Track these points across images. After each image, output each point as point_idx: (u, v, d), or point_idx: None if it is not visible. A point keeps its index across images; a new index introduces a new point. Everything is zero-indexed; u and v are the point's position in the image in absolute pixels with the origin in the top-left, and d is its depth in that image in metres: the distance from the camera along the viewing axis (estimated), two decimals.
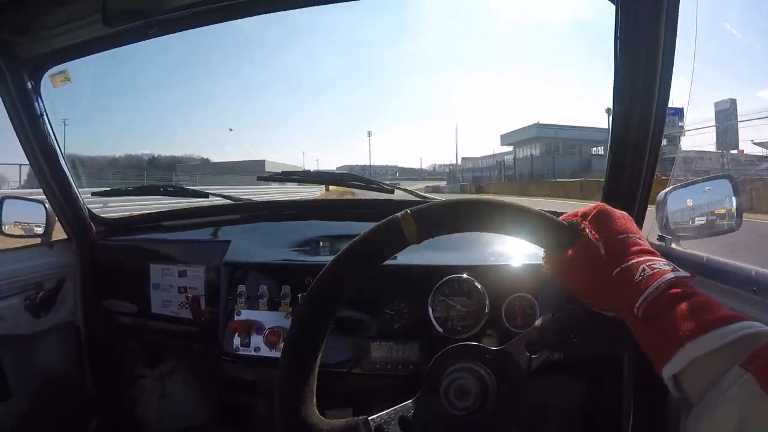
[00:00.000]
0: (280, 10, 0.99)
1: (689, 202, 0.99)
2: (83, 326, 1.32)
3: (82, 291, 1.28)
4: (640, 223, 1.00)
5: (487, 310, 0.90)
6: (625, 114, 0.91)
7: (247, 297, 0.98)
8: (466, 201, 0.47)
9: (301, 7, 0.98)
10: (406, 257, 0.96)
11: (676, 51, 0.86)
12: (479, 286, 0.91)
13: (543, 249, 0.50)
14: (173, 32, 1.01)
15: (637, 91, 0.88)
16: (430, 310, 0.91)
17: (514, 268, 0.93)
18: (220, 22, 0.99)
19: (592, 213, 0.46)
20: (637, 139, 0.91)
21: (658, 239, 0.95)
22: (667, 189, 0.97)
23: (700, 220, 0.99)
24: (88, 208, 1.26)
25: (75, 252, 1.27)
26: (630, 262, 0.41)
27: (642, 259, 0.41)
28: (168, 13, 0.97)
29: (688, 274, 0.40)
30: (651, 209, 0.99)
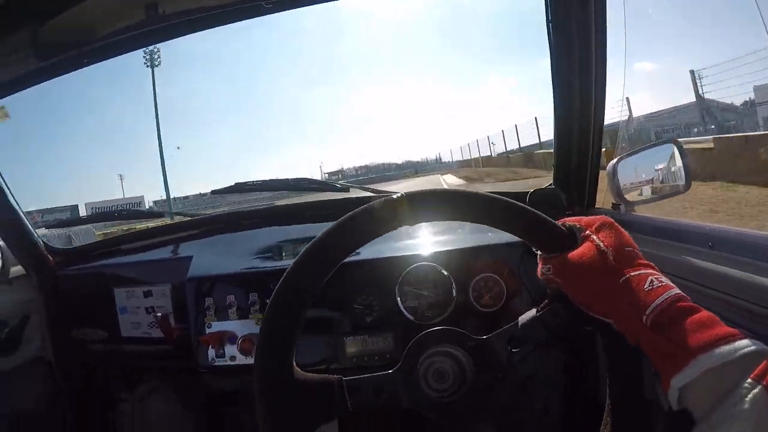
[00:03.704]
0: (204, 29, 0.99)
1: (637, 169, 1.04)
2: (54, 359, 1.27)
3: (48, 324, 1.24)
4: (593, 198, 1.04)
5: (454, 294, 0.92)
6: (566, 96, 0.94)
7: (216, 309, 0.97)
8: (465, 192, 0.48)
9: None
10: (369, 251, 0.97)
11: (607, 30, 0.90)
12: (444, 271, 0.93)
13: (537, 249, 0.50)
14: (107, 58, 1.00)
15: (574, 73, 0.91)
16: (399, 300, 0.92)
17: (475, 250, 0.95)
18: (149, 45, 0.98)
19: (597, 222, 0.47)
20: (581, 120, 0.94)
21: (612, 207, 0.99)
22: (615, 159, 1.00)
23: (649, 185, 1.03)
24: (42, 240, 1.22)
25: (35, 286, 1.23)
26: (638, 272, 0.42)
27: (649, 271, 0.42)
28: (99, 42, 0.96)
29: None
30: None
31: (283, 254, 1.04)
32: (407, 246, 0.97)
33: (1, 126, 1.15)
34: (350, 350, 0.93)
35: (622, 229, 0.47)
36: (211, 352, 0.96)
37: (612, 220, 0.47)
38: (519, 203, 0.47)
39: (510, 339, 0.51)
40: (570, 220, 0.49)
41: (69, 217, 1.28)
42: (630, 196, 1.00)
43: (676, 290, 0.40)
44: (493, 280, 0.94)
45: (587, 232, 0.47)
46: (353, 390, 0.47)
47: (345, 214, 0.47)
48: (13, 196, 1.17)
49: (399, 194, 0.47)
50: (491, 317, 0.93)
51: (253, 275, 1.00)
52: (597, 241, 0.45)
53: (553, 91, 0.96)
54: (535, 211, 0.48)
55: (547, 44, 0.93)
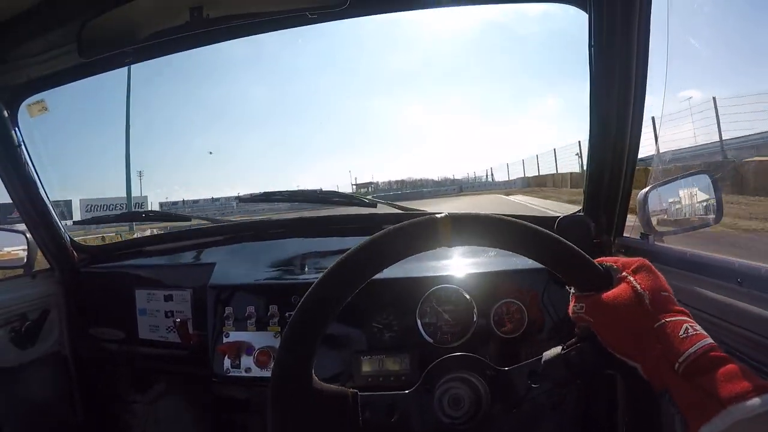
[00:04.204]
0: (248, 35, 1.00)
1: (669, 200, 1.01)
2: (70, 355, 1.29)
3: (68, 320, 1.26)
4: (622, 227, 1.02)
5: (475, 318, 0.90)
6: (603, 122, 0.92)
7: (235, 319, 0.97)
8: (510, 220, 0.47)
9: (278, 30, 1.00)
10: (391, 270, 0.96)
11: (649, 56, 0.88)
12: (466, 295, 0.91)
13: (572, 288, 0.49)
14: (149, 59, 1.01)
15: (613, 99, 0.89)
16: (418, 321, 0.91)
17: (500, 275, 0.94)
18: (192, 48, 1.00)
19: (635, 264, 0.47)
20: (616, 146, 0.92)
21: (641, 237, 0.96)
22: (647, 188, 0.98)
23: (680, 216, 1.01)
24: (69, 236, 1.24)
25: (58, 281, 1.25)
26: (673, 318, 0.42)
27: (684, 318, 0.42)
28: (142, 42, 0.97)
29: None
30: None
31: (306, 268, 1.03)
32: (430, 267, 0.96)
33: (39, 119, 1.18)
34: (365, 369, 0.91)
35: (659, 273, 0.46)
36: (227, 362, 0.96)
37: (649, 263, 0.47)
38: (563, 239, 0.46)
39: (530, 373, 0.50)
40: (607, 260, 0.48)
41: (94, 216, 1.29)
42: (659, 227, 0.98)
43: (710, 340, 0.40)
44: (516, 306, 0.91)
45: (624, 273, 0.46)
46: (366, 406, 0.47)
47: (371, 230, 0.47)
48: (45, 191, 1.20)
49: (443, 214, 0.46)
50: (511, 344, 0.91)
51: (274, 287, 0.99)
52: (634, 283, 0.45)
53: (590, 117, 0.95)
54: (577, 248, 0.47)
55: (588, 68, 0.92)
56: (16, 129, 1.17)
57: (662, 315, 0.42)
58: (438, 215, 0.46)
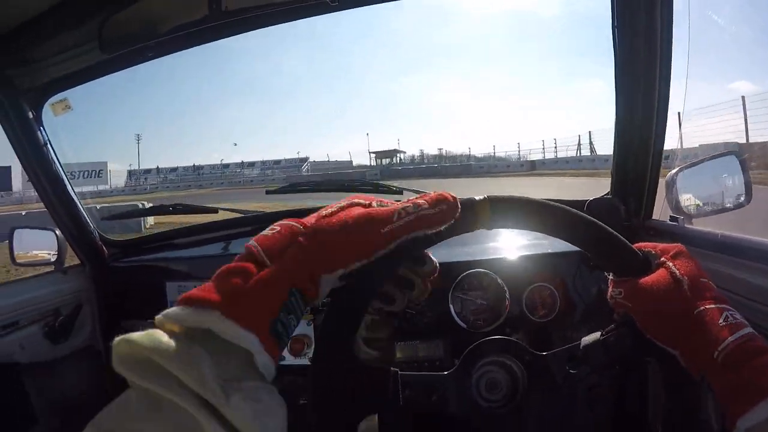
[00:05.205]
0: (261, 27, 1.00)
1: (697, 181, 1.01)
2: (103, 349, 1.32)
3: (100, 314, 1.29)
4: (651, 209, 1.01)
5: (507, 303, 0.91)
6: (629, 104, 0.92)
7: None
8: (551, 204, 0.47)
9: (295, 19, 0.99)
10: None
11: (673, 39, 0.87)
12: (498, 279, 0.92)
13: (610, 273, 0.49)
14: (170, 53, 1.01)
15: (639, 79, 0.88)
16: (451, 306, 0.92)
17: (531, 259, 0.94)
18: (212, 41, 1.00)
19: (673, 250, 0.46)
20: (642, 129, 0.92)
21: (670, 220, 0.96)
22: (675, 170, 0.98)
23: (710, 198, 1.00)
24: (98, 231, 1.26)
25: (89, 276, 1.27)
26: (713, 306, 0.41)
27: (724, 306, 0.41)
28: (162, 37, 0.97)
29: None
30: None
31: None
32: (462, 251, 0.96)
33: (63, 118, 1.19)
34: (399, 355, 0.93)
35: (696, 260, 0.46)
36: None
37: (686, 249, 0.46)
38: (603, 225, 0.46)
39: (569, 358, 0.50)
40: (645, 246, 0.48)
41: (122, 212, 1.31)
42: (689, 209, 0.97)
43: (750, 329, 0.40)
44: (548, 291, 0.92)
45: (663, 258, 0.46)
46: (406, 385, 0.47)
47: None
48: (72, 188, 1.22)
49: (482, 197, 0.46)
50: (543, 329, 0.92)
51: None
52: (673, 269, 0.44)
53: (616, 99, 0.94)
54: (616, 234, 0.46)
55: (612, 49, 0.91)
56: (42, 128, 1.18)
57: (701, 302, 0.42)
58: (477, 197, 0.46)
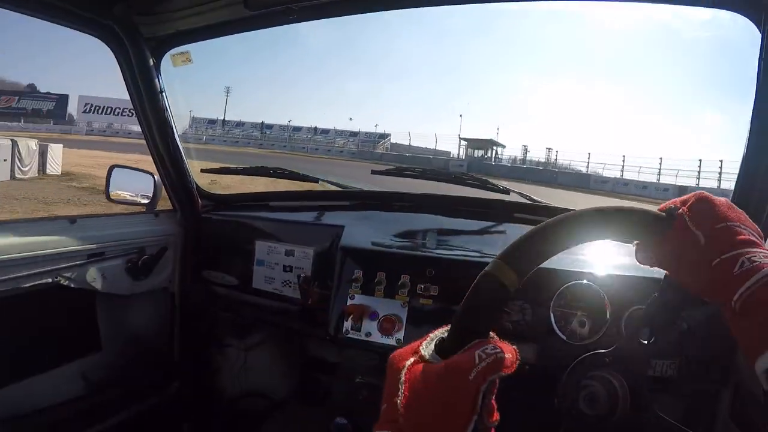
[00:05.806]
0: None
1: None
2: (178, 293, 1.37)
3: (182, 260, 1.34)
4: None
5: (608, 318, 0.90)
6: (762, 143, 0.87)
7: (363, 282, 1.00)
8: (549, 224, 0.43)
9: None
10: None
11: None
12: (602, 294, 0.90)
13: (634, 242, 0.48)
14: (311, 19, 1.02)
15: None
16: (551, 314, 0.91)
17: (636, 280, 0.92)
18: (359, 12, 1.00)
19: (691, 200, 0.44)
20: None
21: None
22: None
23: None
24: (195, 182, 1.31)
25: (179, 222, 1.32)
26: (730, 254, 0.40)
27: (743, 250, 0.40)
28: (307, 1, 0.98)
29: None
30: None
31: (438, 243, 1.05)
32: (566, 260, 0.95)
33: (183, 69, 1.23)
34: None
35: (718, 201, 0.43)
36: (347, 324, 0.98)
37: (706, 193, 0.44)
38: (602, 206, 0.44)
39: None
40: (668, 203, 0.46)
41: (222, 167, 1.35)
42: None
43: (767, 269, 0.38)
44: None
45: (681, 210, 0.43)
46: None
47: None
48: (179, 137, 1.26)
49: (492, 264, 0.41)
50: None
51: (408, 257, 1.01)
52: (687, 222, 0.42)
53: (750, 133, 0.90)
54: (619, 205, 0.45)
55: (755, 83, 0.88)
56: (159, 76, 1.23)
57: (720, 252, 0.40)
58: (488, 268, 0.40)
